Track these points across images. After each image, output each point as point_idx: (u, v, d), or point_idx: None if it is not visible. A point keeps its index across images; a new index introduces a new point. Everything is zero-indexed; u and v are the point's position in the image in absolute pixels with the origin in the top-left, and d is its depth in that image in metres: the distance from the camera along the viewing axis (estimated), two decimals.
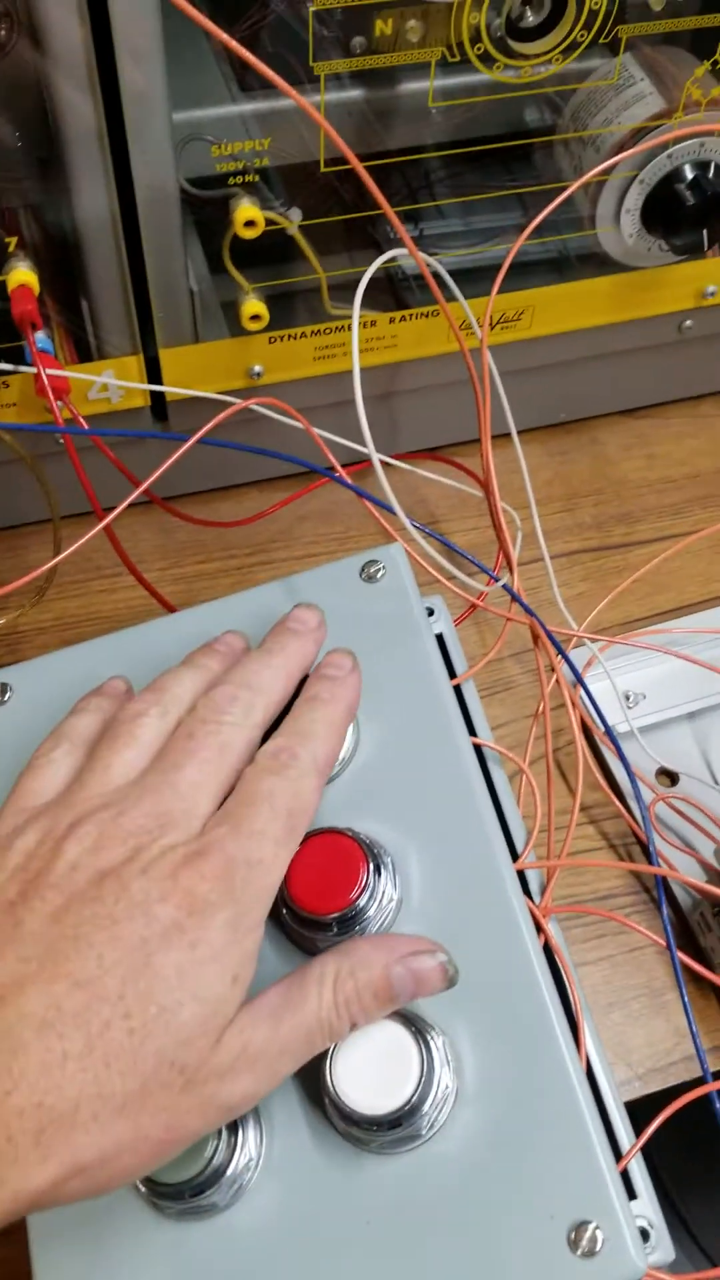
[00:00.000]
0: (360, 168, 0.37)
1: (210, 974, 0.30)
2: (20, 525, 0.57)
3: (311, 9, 0.43)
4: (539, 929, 0.39)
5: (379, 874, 0.37)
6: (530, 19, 0.46)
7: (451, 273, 0.48)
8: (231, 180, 0.46)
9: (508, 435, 0.52)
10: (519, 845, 0.42)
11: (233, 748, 0.35)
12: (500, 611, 0.48)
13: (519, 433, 0.53)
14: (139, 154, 0.43)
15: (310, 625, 0.39)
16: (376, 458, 0.43)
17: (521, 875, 0.41)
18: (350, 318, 0.47)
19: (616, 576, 0.57)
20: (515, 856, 0.41)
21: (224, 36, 0.35)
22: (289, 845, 0.34)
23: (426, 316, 0.52)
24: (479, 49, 0.45)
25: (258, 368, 0.52)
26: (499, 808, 0.42)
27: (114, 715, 0.37)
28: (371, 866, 0.37)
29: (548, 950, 0.39)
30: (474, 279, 0.51)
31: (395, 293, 0.54)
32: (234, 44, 0.35)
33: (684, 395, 0.65)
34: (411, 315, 0.52)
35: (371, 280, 0.46)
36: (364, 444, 0.43)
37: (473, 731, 0.43)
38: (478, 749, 0.42)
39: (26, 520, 0.57)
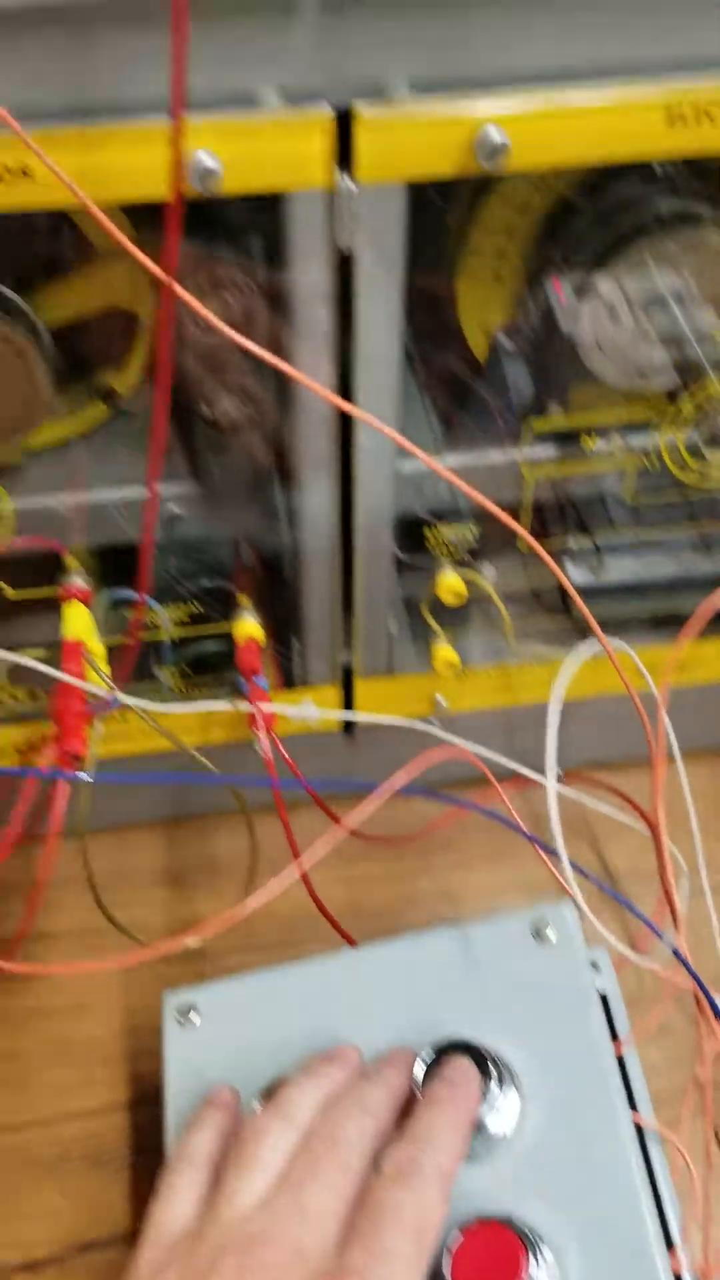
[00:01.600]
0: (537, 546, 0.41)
1: None
2: (216, 813, 0.61)
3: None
4: None
5: (538, 1265, 0.38)
6: None
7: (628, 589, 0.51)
8: (438, 553, 0.50)
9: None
10: (674, 1229, 0.42)
11: (356, 1164, 0.37)
12: (667, 975, 0.49)
13: (682, 752, 0.54)
14: (364, 498, 0.48)
15: (405, 1060, 0.41)
16: (553, 790, 0.45)
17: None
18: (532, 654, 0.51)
19: None
20: (670, 1243, 0.41)
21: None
22: (420, 1261, 0.35)
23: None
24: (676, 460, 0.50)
25: (443, 699, 0.55)
26: (655, 1187, 0.42)
27: (236, 1131, 0.39)
28: (531, 1259, 0.38)
29: None
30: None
31: (578, 633, 0.57)
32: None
33: None
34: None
35: (547, 603, 0.50)
36: (542, 774, 0.46)
37: (633, 1102, 0.44)
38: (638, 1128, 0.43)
39: (223, 809, 0.60)
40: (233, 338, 0.36)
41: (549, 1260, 0.38)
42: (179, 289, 0.35)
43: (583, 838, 0.61)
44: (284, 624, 0.53)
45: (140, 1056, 0.54)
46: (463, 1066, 0.41)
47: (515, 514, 0.50)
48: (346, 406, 0.40)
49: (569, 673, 0.47)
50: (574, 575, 0.58)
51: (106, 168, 0.35)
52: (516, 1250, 0.38)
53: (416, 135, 0.36)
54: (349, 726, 0.57)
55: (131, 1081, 0.53)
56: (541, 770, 0.46)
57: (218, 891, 0.60)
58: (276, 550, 0.52)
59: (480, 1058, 0.42)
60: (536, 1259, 0.38)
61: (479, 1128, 0.41)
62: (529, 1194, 0.40)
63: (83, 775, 0.42)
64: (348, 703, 0.55)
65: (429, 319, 0.52)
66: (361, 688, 0.55)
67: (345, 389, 0.45)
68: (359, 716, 0.53)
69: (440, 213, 0.50)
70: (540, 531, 0.55)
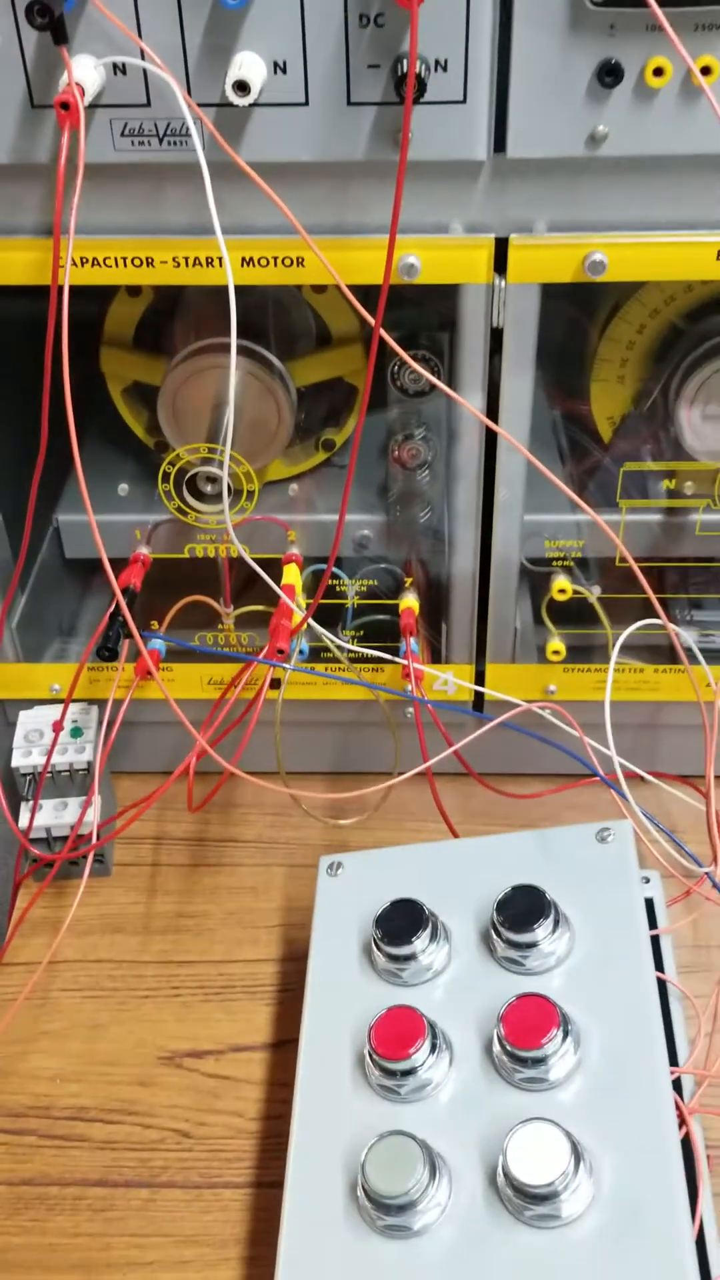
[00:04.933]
0: (636, 567, 0.59)
1: None
2: (369, 772, 0.78)
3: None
4: (682, 1123, 0.52)
5: (566, 1036, 0.52)
6: None
7: None
8: (555, 562, 0.69)
9: None
10: (681, 1057, 0.56)
11: None
12: (712, 897, 0.63)
13: None
14: (498, 539, 0.67)
15: None
16: (616, 760, 0.61)
17: (677, 1081, 0.54)
18: (623, 664, 0.67)
19: None
20: (675, 1062, 0.55)
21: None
22: None
23: (681, 672, 0.71)
24: None
25: (552, 687, 0.72)
26: (669, 1024, 0.56)
27: None
28: (561, 1029, 0.52)
29: (687, 1144, 0.52)
30: None
31: (668, 652, 0.73)
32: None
33: None
34: (669, 670, 0.72)
35: (650, 642, 0.66)
36: (618, 757, 0.62)
37: (661, 969, 0.58)
38: (662, 983, 0.57)
39: (375, 769, 0.78)
40: (435, 384, 0.56)
41: (575, 1035, 0.53)
42: (389, 338, 0.55)
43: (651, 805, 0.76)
44: (435, 613, 0.71)
45: (293, 928, 0.71)
46: None
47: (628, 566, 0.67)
48: (494, 428, 0.59)
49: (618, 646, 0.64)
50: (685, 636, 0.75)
51: (350, 263, 0.56)
52: (553, 1019, 0.52)
53: (549, 254, 0.57)
54: (479, 704, 0.74)
55: (284, 944, 0.70)
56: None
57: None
58: (435, 561, 0.71)
59: (543, 898, 0.57)
60: (565, 1031, 0.52)
61: (535, 945, 0.56)
62: (570, 996, 0.55)
63: (286, 665, 0.61)
64: (479, 682, 0.72)
65: (570, 408, 0.72)
66: (491, 670, 0.72)
67: (489, 453, 0.65)
68: (483, 689, 0.70)
69: (583, 331, 0.70)
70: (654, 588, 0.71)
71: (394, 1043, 0.54)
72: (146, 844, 0.76)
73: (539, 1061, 0.52)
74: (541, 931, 0.56)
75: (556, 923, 0.57)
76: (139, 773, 0.79)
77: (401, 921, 0.58)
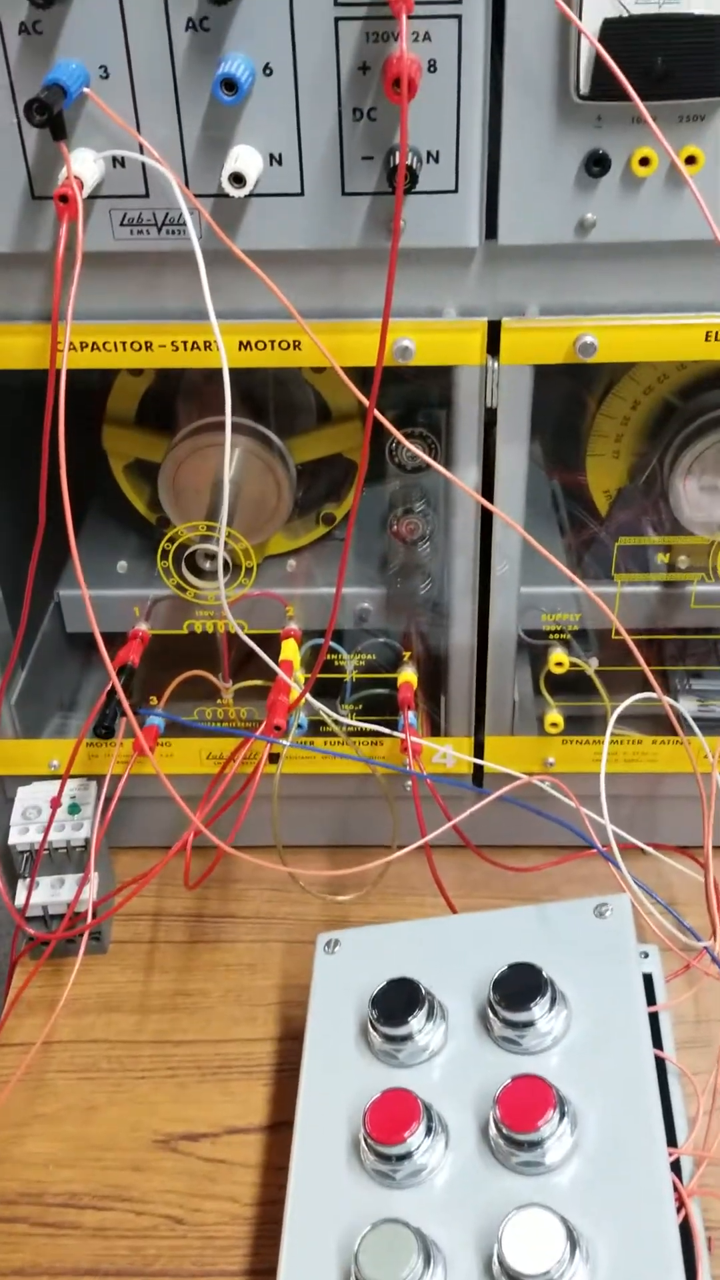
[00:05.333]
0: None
1: None
2: (368, 845, 0.78)
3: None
4: (680, 1206, 0.51)
5: (562, 1118, 0.52)
6: None
7: None
8: (552, 635, 0.69)
9: None
10: (680, 1137, 0.55)
11: None
12: (711, 972, 0.62)
13: None
14: (496, 612, 0.67)
15: None
16: (612, 831, 0.61)
17: (676, 1163, 0.53)
18: (620, 735, 0.67)
19: None
20: (674, 1143, 0.54)
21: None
22: None
23: (680, 744, 0.71)
24: None
25: (551, 759, 0.72)
26: (668, 1103, 0.55)
27: None
28: (558, 1111, 0.51)
29: (685, 1227, 0.51)
30: None
31: (668, 722, 0.73)
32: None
33: None
34: (668, 741, 0.71)
35: (649, 712, 0.67)
36: (618, 828, 0.62)
37: (659, 1047, 0.58)
38: (660, 1061, 0.56)
39: (374, 843, 0.78)
40: (429, 463, 0.57)
41: (571, 1117, 0.52)
42: (384, 420, 0.56)
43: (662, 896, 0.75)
44: (435, 685, 0.72)
45: (290, 1005, 0.70)
46: None
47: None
48: (489, 506, 0.60)
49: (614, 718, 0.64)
50: (683, 704, 0.75)
51: (346, 346, 0.57)
52: (549, 1101, 0.52)
53: (540, 336, 0.58)
54: (479, 777, 0.74)
55: (282, 1022, 0.70)
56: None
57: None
58: (434, 634, 0.72)
59: (540, 976, 0.56)
60: (562, 1114, 0.52)
61: (532, 1024, 0.55)
62: (566, 1077, 0.54)
63: (283, 741, 0.61)
64: (478, 754, 0.72)
65: (566, 480, 0.73)
66: (490, 743, 0.72)
67: (485, 528, 0.65)
68: (481, 762, 0.70)
69: (579, 405, 0.71)
70: (652, 659, 0.72)
71: (389, 1127, 0.53)
72: (144, 920, 0.76)
73: (535, 1144, 0.51)
74: (538, 1010, 0.55)
75: (553, 1001, 0.56)
76: (138, 847, 0.79)
77: (398, 1001, 0.57)
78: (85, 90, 0.51)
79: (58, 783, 0.70)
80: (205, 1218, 0.61)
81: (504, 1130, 0.51)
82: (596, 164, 0.53)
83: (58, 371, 0.52)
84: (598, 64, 0.50)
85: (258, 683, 0.70)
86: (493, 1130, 0.52)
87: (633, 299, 0.58)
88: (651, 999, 0.60)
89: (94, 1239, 0.61)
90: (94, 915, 0.69)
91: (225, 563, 0.62)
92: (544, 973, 0.56)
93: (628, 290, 0.58)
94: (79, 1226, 0.61)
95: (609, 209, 0.54)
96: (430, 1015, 0.57)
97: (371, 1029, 0.58)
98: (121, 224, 0.55)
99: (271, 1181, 0.62)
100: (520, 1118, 0.51)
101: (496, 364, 0.59)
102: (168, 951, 0.74)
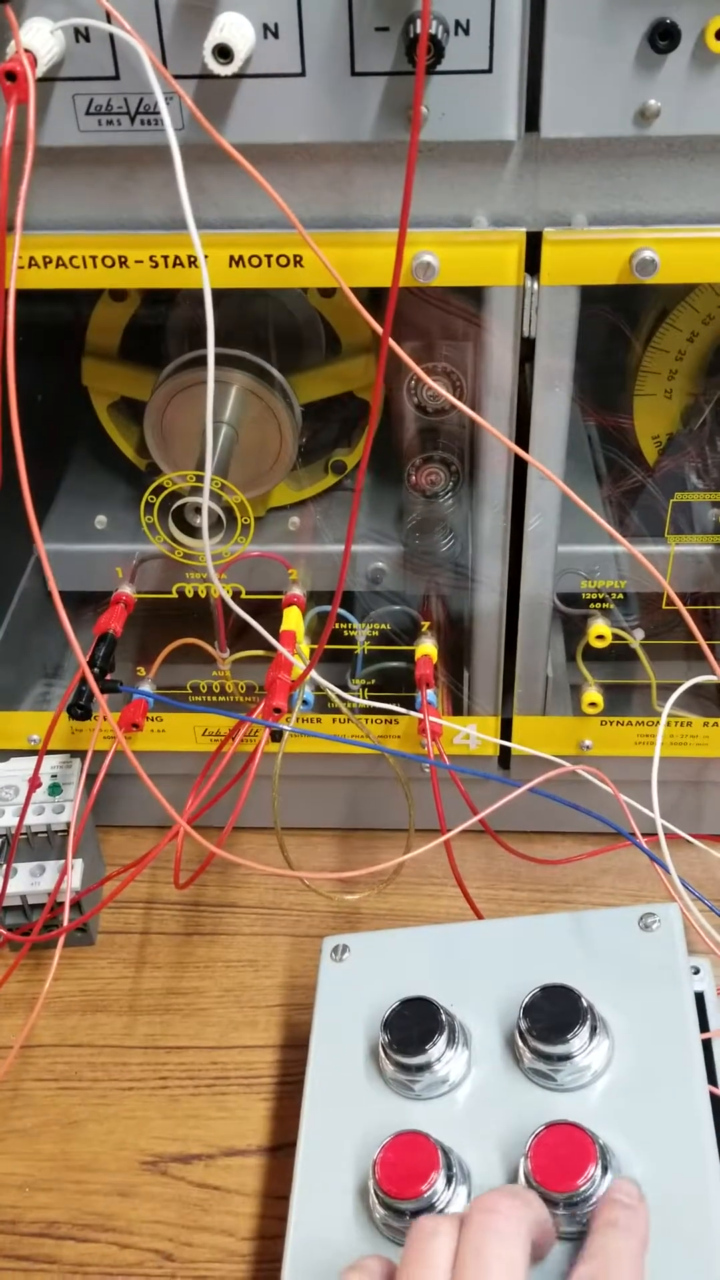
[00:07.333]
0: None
1: None
2: (381, 829, 0.71)
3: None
4: None
5: (605, 1171, 0.44)
6: None
7: None
8: (592, 605, 0.60)
9: None
10: None
11: None
12: None
13: None
14: (528, 574, 0.59)
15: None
16: (661, 824, 0.53)
17: None
18: (673, 716, 0.59)
19: None
20: None
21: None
22: None
23: None
24: None
25: (588, 742, 0.64)
26: None
27: None
28: (600, 1165, 0.44)
29: None
30: None
31: (718, 702, 0.65)
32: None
33: None
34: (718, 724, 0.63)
35: (701, 689, 0.58)
36: (662, 819, 0.54)
37: (714, 1082, 0.50)
38: (716, 1100, 0.49)
39: (387, 827, 0.70)
40: (454, 403, 0.48)
41: (615, 1171, 0.45)
42: (399, 350, 0.47)
43: (710, 893, 0.68)
44: (457, 657, 0.63)
45: (295, 1009, 0.63)
46: (633, 1191, 0.43)
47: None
48: (523, 454, 0.51)
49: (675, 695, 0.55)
50: None
51: (356, 262, 0.48)
52: (589, 1154, 0.44)
53: (590, 251, 0.49)
54: (505, 760, 0.66)
55: (285, 1028, 0.62)
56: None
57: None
58: (456, 599, 0.63)
59: (578, 1003, 0.49)
60: (604, 1167, 0.44)
61: (569, 1058, 0.48)
62: (606, 1122, 0.47)
63: (283, 726, 0.53)
64: (505, 735, 0.64)
65: (607, 424, 0.64)
66: (518, 723, 0.64)
67: (519, 479, 0.56)
68: (509, 744, 0.62)
69: (624, 338, 0.62)
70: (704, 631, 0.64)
71: (403, 1178, 0.46)
72: (136, 909, 0.69)
73: (573, 1204, 0.44)
74: (576, 1042, 0.48)
75: (593, 1031, 0.49)
76: (130, 827, 0.72)
77: (414, 1025, 0.50)
78: None
79: (35, 759, 0.62)
80: (197, 1253, 0.55)
81: (538, 1189, 0.44)
82: (663, 37, 0.44)
83: (6, 292, 0.43)
84: None
85: (258, 653, 0.62)
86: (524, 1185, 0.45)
87: (702, 208, 0.49)
88: (704, 1024, 0.53)
89: (72, 1275, 0.54)
90: (79, 909, 0.62)
91: (218, 518, 0.54)
92: (582, 999, 0.49)
93: (696, 196, 0.48)
94: (56, 1260, 0.55)
95: (677, 94, 0.45)
96: (451, 1041, 0.50)
97: (384, 1055, 0.50)
98: (87, 113, 0.45)
99: (270, 1213, 0.56)
100: (557, 1175, 0.44)
101: (536, 285, 0.50)
102: (160, 944, 0.67)
